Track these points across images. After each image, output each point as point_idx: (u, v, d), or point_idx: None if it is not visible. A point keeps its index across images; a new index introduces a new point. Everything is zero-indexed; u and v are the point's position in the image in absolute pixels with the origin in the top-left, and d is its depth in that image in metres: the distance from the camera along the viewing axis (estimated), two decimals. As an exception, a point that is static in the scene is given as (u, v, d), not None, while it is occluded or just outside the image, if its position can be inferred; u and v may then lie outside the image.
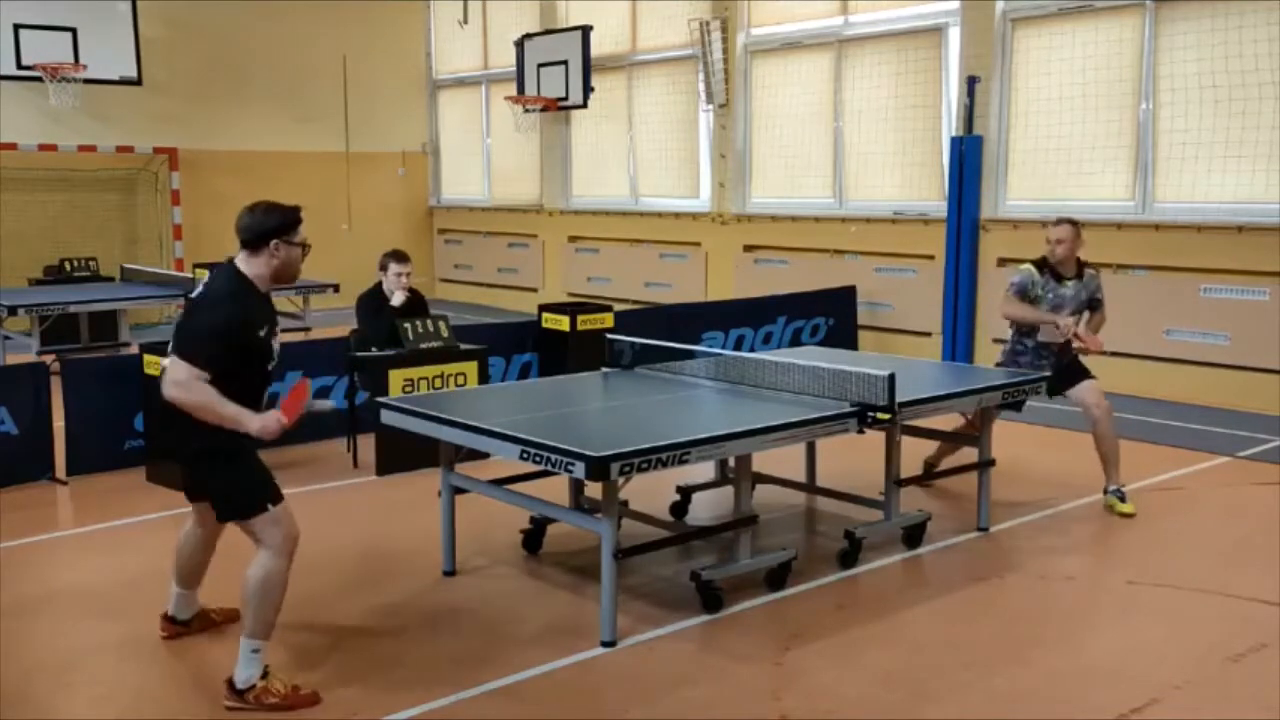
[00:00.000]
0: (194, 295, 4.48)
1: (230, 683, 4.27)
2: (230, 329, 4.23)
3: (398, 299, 7.91)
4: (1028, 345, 6.80)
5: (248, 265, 4.34)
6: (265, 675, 4.28)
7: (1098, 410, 6.70)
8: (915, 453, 7.10)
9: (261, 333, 4.34)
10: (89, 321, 11.92)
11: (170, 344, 4.34)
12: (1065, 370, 6.76)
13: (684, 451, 4.71)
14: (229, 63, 15.80)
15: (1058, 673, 4.55)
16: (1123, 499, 6.67)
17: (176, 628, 4.89)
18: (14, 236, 14.05)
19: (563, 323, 9.27)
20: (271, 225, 4.31)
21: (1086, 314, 6.87)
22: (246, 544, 4.42)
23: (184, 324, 4.37)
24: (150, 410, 7.37)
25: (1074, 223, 6.78)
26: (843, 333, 11.82)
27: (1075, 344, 6.69)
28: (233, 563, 4.66)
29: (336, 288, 11.94)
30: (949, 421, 6.37)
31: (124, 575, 5.68)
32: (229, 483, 4.38)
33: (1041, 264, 6.78)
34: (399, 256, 7.97)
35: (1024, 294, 6.75)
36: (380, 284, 7.99)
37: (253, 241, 4.31)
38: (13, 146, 13.83)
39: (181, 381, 4.18)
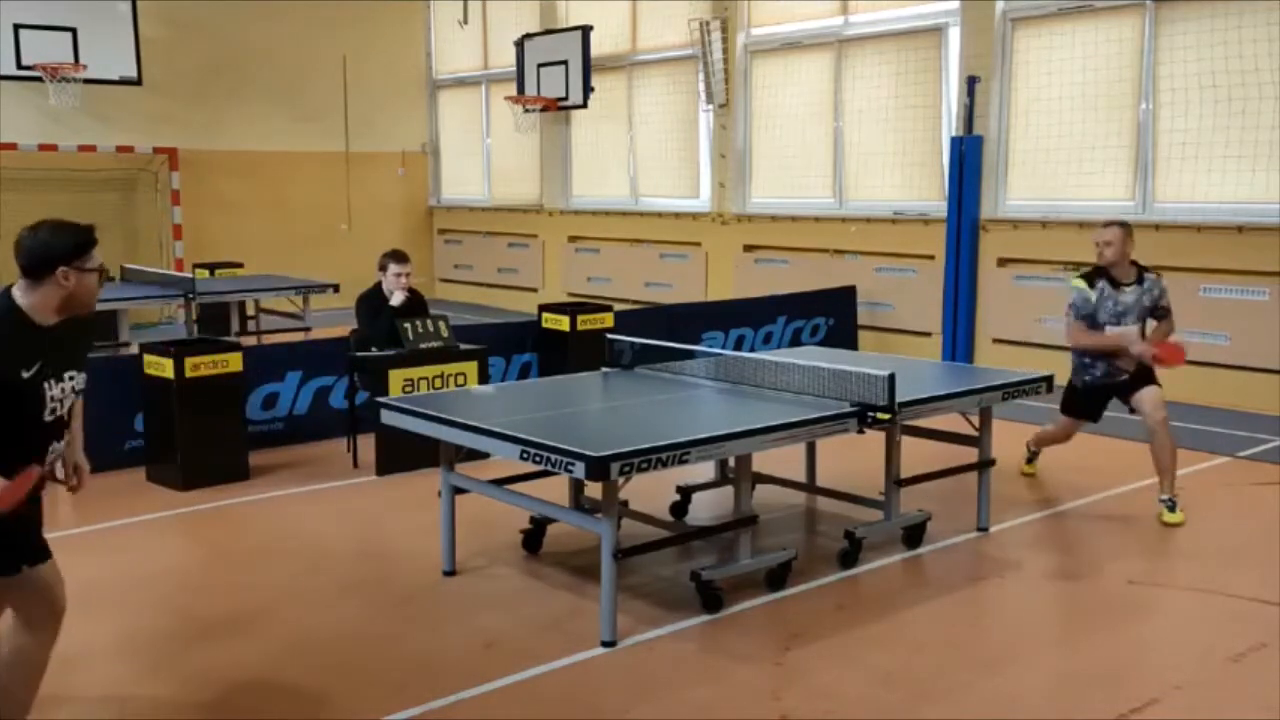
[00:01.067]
0: None
1: None
2: None
3: (397, 299, 7.91)
4: (1094, 359, 6.61)
5: (25, 295, 3.56)
6: None
7: (1151, 420, 6.49)
8: (915, 453, 7.09)
9: (26, 373, 3.49)
10: (89, 321, 11.87)
11: None
12: (1134, 376, 6.59)
13: (684, 451, 4.71)
14: (229, 63, 15.80)
15: (1058, 673, 4.55)
16: (1171, 509, 6.47)
17: None
18: (14, 236, 14.01)
19: (563, 323, 9.28)
20: (60, 249, 3.56)
21: (1151, 322, 6.64)
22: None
23: None
24: (150, 410, 7.39)
25: (1124, 224, 6.53)
26: (843, 333, 11.82)
27: (1154, 364, 6.49)
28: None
29: (336, 288, 11.93)
30: (949, 422, 6.36)
31: (124, 575, 5.68)
32: None
33: (1093, 274, 6.55)
34: (398, 257, 7.97)
35: (1083, 314, 6.53)
36: (380, 284, 7.99)
37: (36, 268, 3.55)
38: (13, 146, 13.84)
39: None
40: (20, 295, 3.56)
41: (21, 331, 3.52)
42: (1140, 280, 6.55)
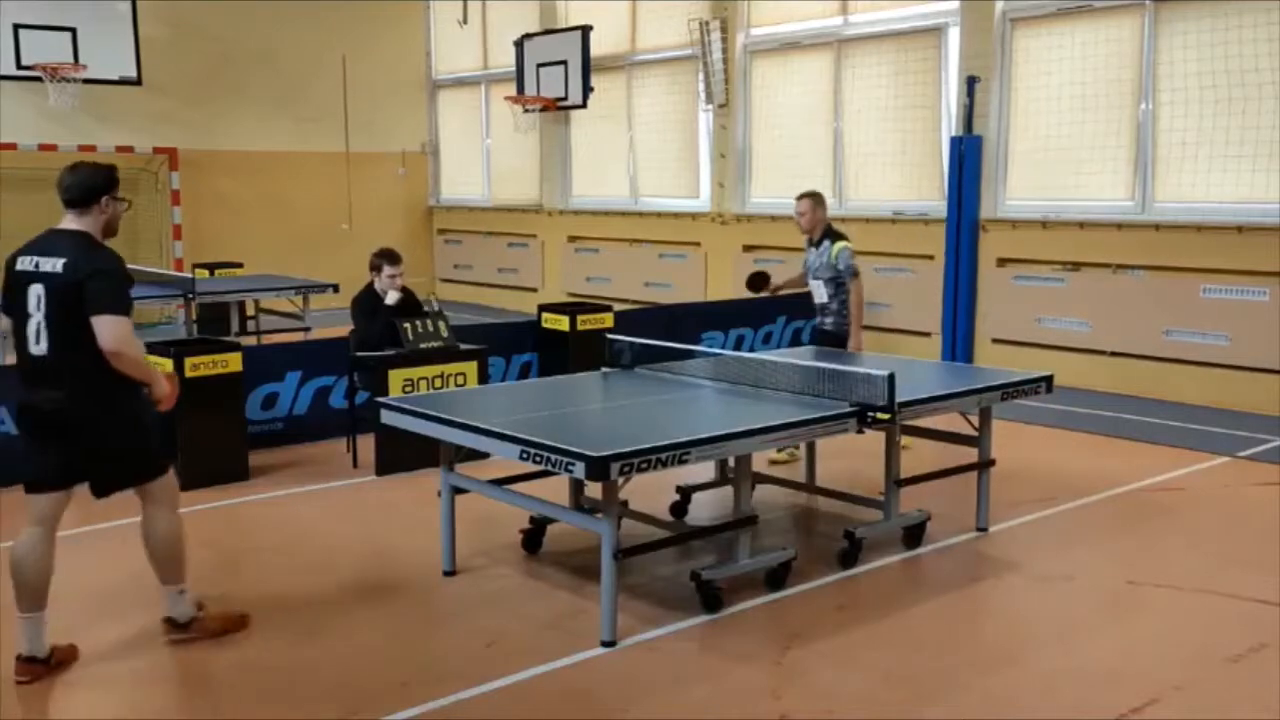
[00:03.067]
0: (62, 265, 4.36)
1: (171, 621, 4.78)
2: (128, 277, 4.46)
3: (392, 298, 7.90)
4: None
5: (80, 223, 4.47)
6: (202, 608, 4.83)
7: None
8: (915, 452, 7.10)
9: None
10: (89, 321, 11.87)
11: (87, 308, 4.31)
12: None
13: (684, 451, 4.71)
14: (229, 63, 15.80)
15: (1057, 673, 4.56)
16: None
17: (37, 669, 4.43)
18: (14, 236, 13.94)
19: (563, 323, 9.28)
20: (100, 182, 4.48)
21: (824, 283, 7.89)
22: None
23: (91, 285, 4.32)
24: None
25: (814, 195, 7.87)
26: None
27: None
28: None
29: (336, 288, 11.93)
30: (949, 421, 6.36)
31: (124, 575, 5.67)
32: (140, 446, 4.62)
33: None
34: (392, 258, 7.94)
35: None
36: (372, 284, 7.98)
37: (83, 199, 4.46)
38: (13, 146, 13.83)
39: (125, 336, 4.33)
40: (76, 225, 4.47)
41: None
42: (818, 245, 7.84)
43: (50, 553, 4.48)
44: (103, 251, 4.45)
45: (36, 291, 4.38)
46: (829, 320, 8.01)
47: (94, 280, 4.33)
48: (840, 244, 7.79)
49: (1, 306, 4.63)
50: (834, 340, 7.95)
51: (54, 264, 4.37)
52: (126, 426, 4.51)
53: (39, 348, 4.38)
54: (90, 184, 4.46)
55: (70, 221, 4.47)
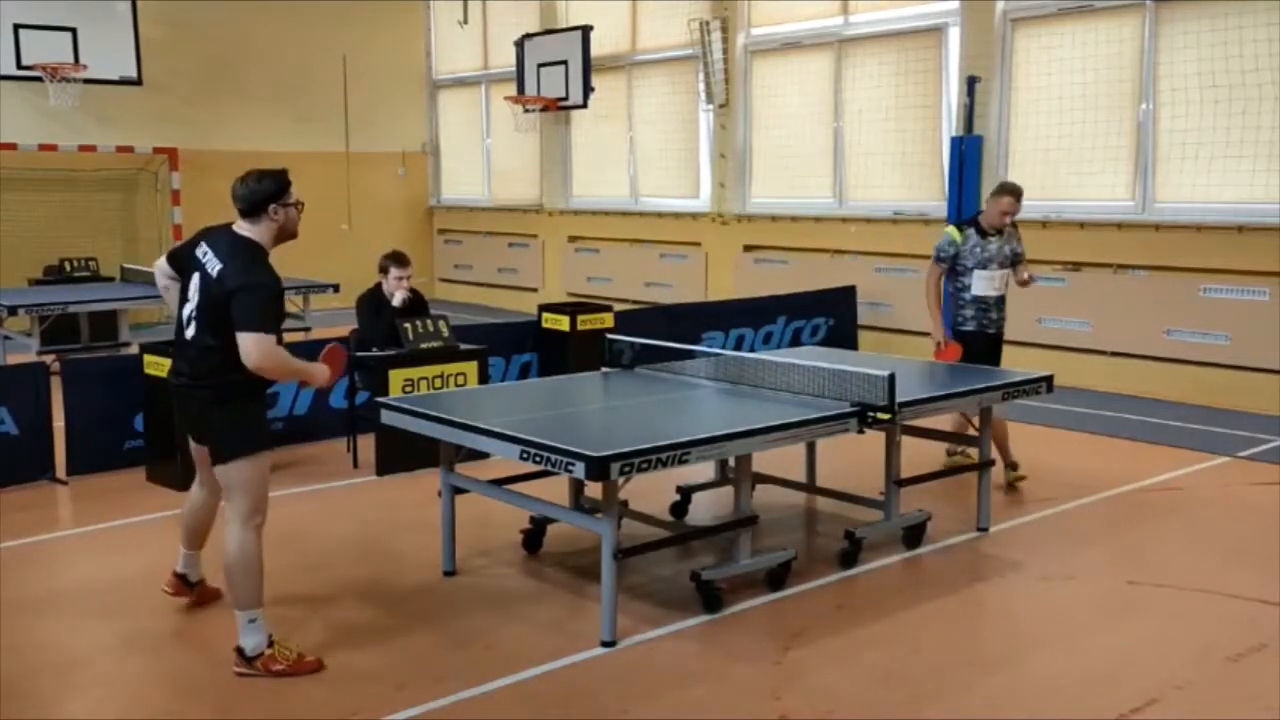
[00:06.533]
0: (219, 270, 4.49)
1: (239, 651, 4.52)
2: (278, 294, 4.58)
3: (398, 299, 7.91)
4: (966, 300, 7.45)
5: (252, 232, 4.58)
6: (271, 644, 4.53)
7: None
8: (915, 453, 7.09)
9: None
10: (89, 321, 11.92)
11: (234, 323, 4.41)
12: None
13: (684, 451, 4.71)
14: (229, 63, 15.81)
15: (1058, 673, 4.56)
16: (1015, 468, 7.16)
17: (183, 587, 5.16)
18: (14, 236, 14.04)
19: (563, 323, 9.27)
20: (267, 191, 4.57)
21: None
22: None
23: (238, 300, 4.40)
24: (150, 410, 7.38)
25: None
26: (843, 333, 11.82)
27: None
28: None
29: (336, 288, 11.94)
30: (948, 421, 6.37)
31: (124, 575, 5.68)
32: (228, 439, 4.62)
33: (972, 224, 7.35)
34: (399, 260, 7.95)
35: (943, 258, 7.48)
36: (379, 284, 7.99)
37: (252, 210, 4.57)
38: (13, 146, 13.83)
39: (268, 353, 4.39)
40: (247, 233, 4.58)
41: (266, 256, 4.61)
42: (1001, 231, 7.26)
43: (202, 501, 5.05)
44: (256, 265, 4.50)
45: (196, 283, 4.58)
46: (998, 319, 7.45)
47: (240, 295, 4.41)
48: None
49: (172, 269, 4.80)
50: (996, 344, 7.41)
51: (215, 266, 4.51)
52: (225, 421, 4.59)
53: (189, 331, 4.60)
54: (257, 193, 4.55)
55: (244, 227, 4.59)
